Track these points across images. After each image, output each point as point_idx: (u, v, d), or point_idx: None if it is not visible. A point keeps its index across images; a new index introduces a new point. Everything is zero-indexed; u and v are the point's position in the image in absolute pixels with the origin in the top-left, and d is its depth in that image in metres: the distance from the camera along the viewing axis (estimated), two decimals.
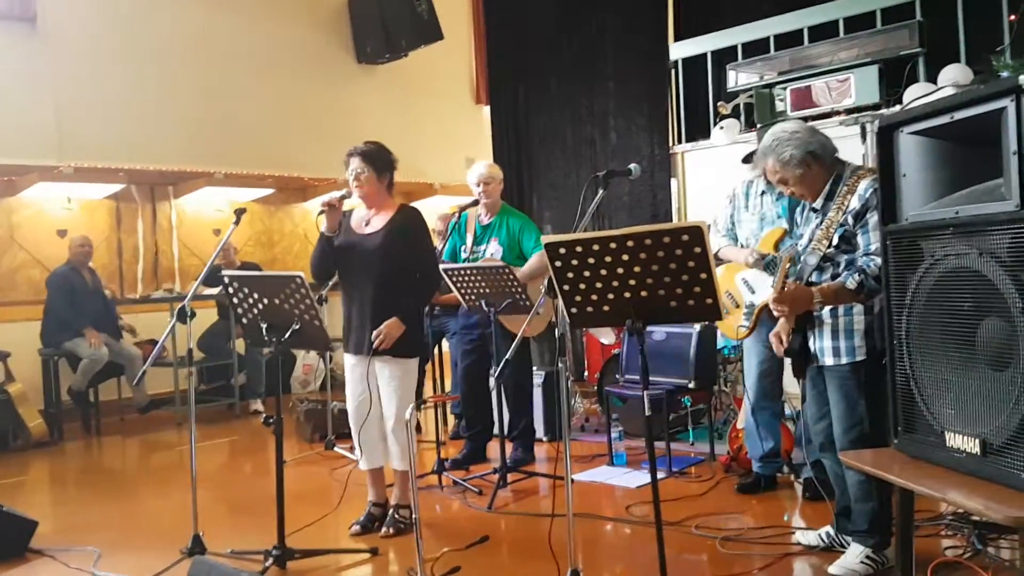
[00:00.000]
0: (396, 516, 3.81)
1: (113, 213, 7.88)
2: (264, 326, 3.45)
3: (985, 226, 2.03)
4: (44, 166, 7.04)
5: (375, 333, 3.65)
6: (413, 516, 3.32)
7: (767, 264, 3.84)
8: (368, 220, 3.87)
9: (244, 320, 3.55)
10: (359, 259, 3.78)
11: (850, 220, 2.86)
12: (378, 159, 3.82)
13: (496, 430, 4.73)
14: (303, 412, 6.09)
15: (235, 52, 8.35)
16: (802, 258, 3.01)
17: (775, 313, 2.95)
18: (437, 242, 6.07)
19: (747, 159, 4.18)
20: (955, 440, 2.14)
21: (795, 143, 2.94)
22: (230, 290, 3.49)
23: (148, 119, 7.68)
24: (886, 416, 2.59)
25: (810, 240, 3.00)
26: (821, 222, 2.96)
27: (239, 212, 3.91)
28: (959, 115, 2.11)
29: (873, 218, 2.79)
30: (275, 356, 3.48)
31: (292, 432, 6.05)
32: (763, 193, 4.07)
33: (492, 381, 4.97)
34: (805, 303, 2.84)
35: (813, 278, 2.96)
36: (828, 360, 2.97)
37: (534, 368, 5.39)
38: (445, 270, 4.52)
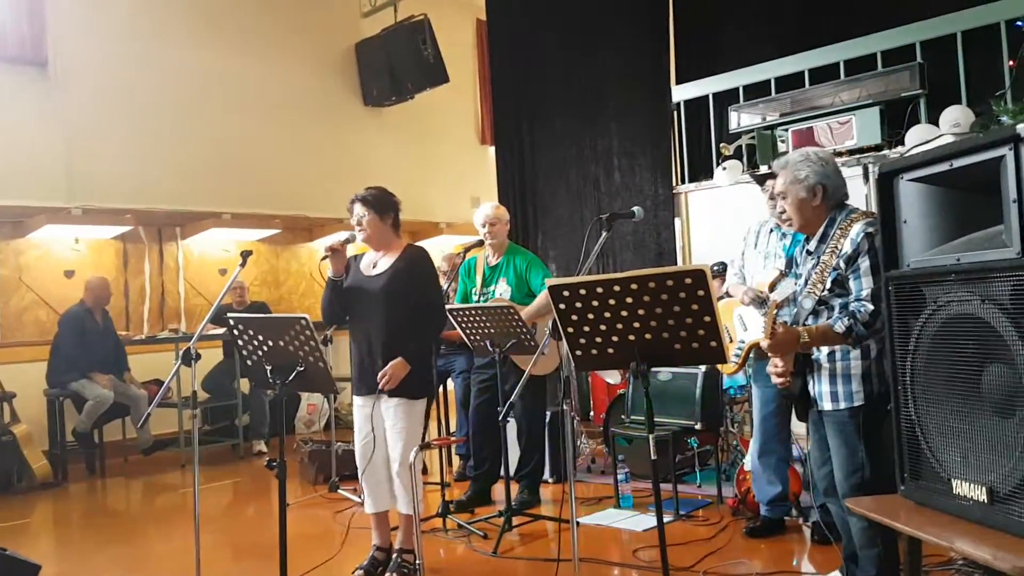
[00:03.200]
0: (400, 560, 3.78)
1: (120, 254, 7.94)
2: (269, 368, 3.45)
3: (987, 273, 2.03)
4: (52, 207, 7.12)
5: (380, 374, 3.66)
6: (417, 561, 3.30)
7: (760, 304, 3.87)
8: (375, 262, 3.91)
9: (249, 362, 3.56)
10: (365, 300, 3.81)
11: (842, 264, 2.85)
12: (379, 202, 3.86)
13: (502, 471, 4.70)
14: (307, 453, 6.06)
15: (242, 94, 8.46)
16: (798, 301, 3.01)
17: (775, 365, 2.93)
18: (442, 282, 6.11)
19: (759, 179, 4.21)
20: (962, 487, 2.13)
21: (816, 168, 2.95)
22: (235, 332, 3.50)
23: (156, 161, 7.76)
24: (887, 462, 2.57)
25: (806, 283, 3.01)
26: (815, 265, 2.96)
27: (245, 254, 3.92)
28: (958, 163, 2.13)
29: (865, 263, 2.79)
30: (279, 397, 3.47)
31: (296, 473, 6.02)
32: (771, 231, 4.11)
33: (517, 420, 4.99)
34: (792, 345, 2.83)
35: (809, 321, 2.95)
36: (827, 405, 2.95)
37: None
38: (450, 311, 4.54)
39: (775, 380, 2.94)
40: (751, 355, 4.11)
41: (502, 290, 4.96)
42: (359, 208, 3.83)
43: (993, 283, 2.01)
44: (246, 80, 8.51)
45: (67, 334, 6.76)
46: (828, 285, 2.88)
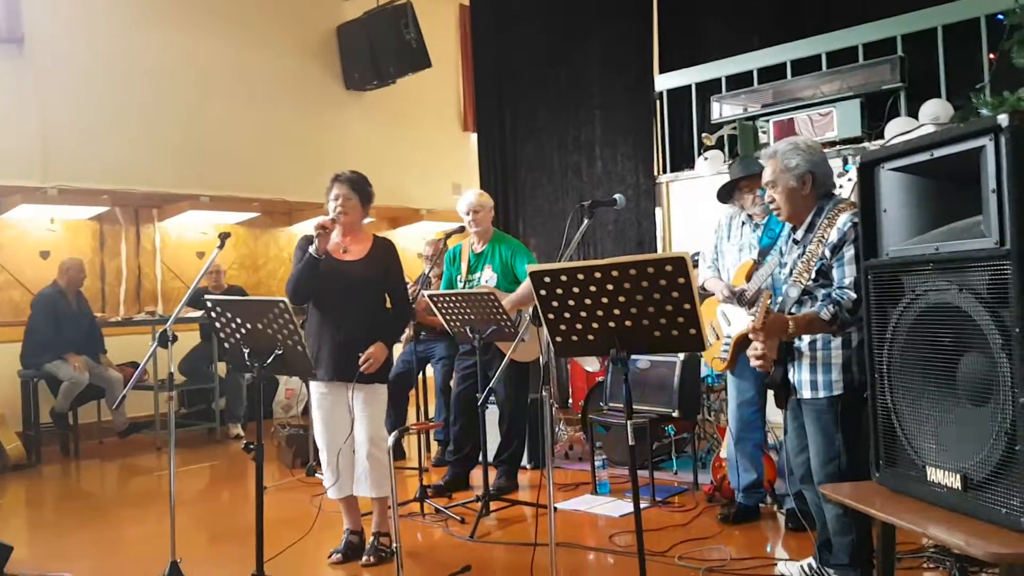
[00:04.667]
0: (377, 544, 3.78)
1: (96, 235, 7.84)
2: (246, 351, 3.43)
3: (965, 262, 2.05)
4: (28, 187, 7.01)
5: (363, 358, 3.64)
6: (394, 545, 3.30)
7: (738, 298, 3.89)
8: (345, 248, 3.86)
9: (226, 344, 3.53)
10: (341, 285, 3.77)
11: (827, 253, 2.88)
12: (362, 188, 3.85)
13: (481, 457, 4.70)
14: (284, 437, 6.04)
15: (222, 76, 8.37)
16: (783, 290, 3.03)
17: (753, 340, 2.94)
18: (424, 267, 6.10)
19: (721, 195, 4.25)
20: (936, 475, 2.15)
21: (806, 157, 2.97)
22: (213, 314, 3.47)
23: (134, 142, 7.66)
24: (864, 450, 2.60)
25: (791, 271, 3.02)
26: (802, 254, 2.98)
27: (223, 236, 3.88)
28: (939, 152, 2.15)
29: (849, 252, 2.82)
30: (256, 380, 3.44)
31: (273, 457, 5.99)
32: (743, 224, 4.14)
33: (499, 406, 5.00)
34: (779, 330, 2.85)
35: (794, 310, 2.97)
36: (806, 393, 2.98)
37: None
38: (431, 297, 4.53)
39: (754, 363, 2.95)
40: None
41: (487, 277, 4.94)
42: (345, 188, 3.79)
43: (971, 272, 2.03)
44: (226, 61, 8.40)
45: (40, 316, 6.68)
46: (813, 275, 2.90)
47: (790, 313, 2.95)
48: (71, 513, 5.14)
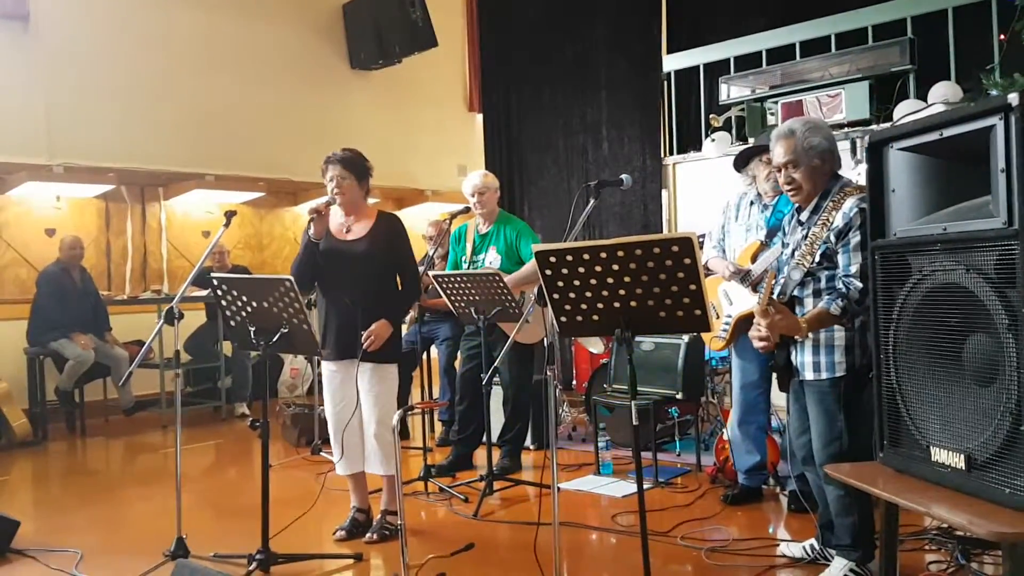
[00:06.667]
0: (384, 522, 3.80)
1: (102, 213, 7.85)
2: (252, 329, 3.44)
3: (973, 243, 2.04)
4: (34, 164, 7.02)
5: (365, 335, 3.64)
6: (399, 522, 3.32)
7: (742, 277, 3.88)
8: (348, 227, 3.86)
9: (232, 323, 3.54)
10: (344, 265, 3.77)
11: (832, 238, 2.86)
12: (357, 166, 3.82)
13: (485, 437, 4.72)
14: (289, 416, 6.06)
15: (228, 54, 8.34)
16: (786, 272, 3.02)
17: (758, 328, 2.93)
18: (428, 248, 6.10)
19: (738, 161, 4.21)
20: (940, 455, 2.15)
21: (825, 134, 2.95)
22: (219, 292, 3.48)
23: (139, 120, 7.65)
24: (865, 432, 2.60)
25: (794, 253, 3.01)
26: (805, 236, 2.97)
27: (229, 214, 3.89)
28: (948, 132, 2.13)
29: (855, 238, 2.80)
30: (262, 359, 3.45)
31: (278, 436, 6.02)
32: (751, 204, 4.11)
33: (504, 387, 5.00)
34: (791, 330, 2.83)
35: (796, 292, 2.97)
36: (808, 375, 2.98)
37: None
38: (435, 277, 4.53)
39: (757, 344, 2.94)
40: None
41: (492, 259, 4.94)
42: (339, 169, 3.78)
43: (978, 253, 2.02)
44: (232, 40, 8.38)
45: (46, 294, 6.69)
46: (817, 258, 2.89)
47: (793, 295, 2.94)
48: (77, 489, 5.17)
